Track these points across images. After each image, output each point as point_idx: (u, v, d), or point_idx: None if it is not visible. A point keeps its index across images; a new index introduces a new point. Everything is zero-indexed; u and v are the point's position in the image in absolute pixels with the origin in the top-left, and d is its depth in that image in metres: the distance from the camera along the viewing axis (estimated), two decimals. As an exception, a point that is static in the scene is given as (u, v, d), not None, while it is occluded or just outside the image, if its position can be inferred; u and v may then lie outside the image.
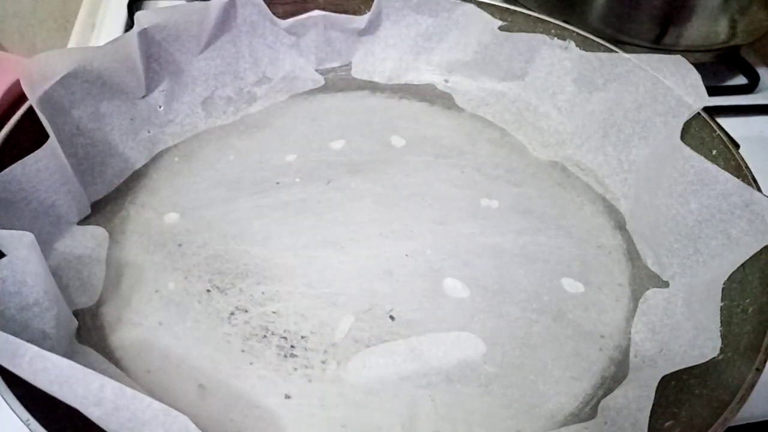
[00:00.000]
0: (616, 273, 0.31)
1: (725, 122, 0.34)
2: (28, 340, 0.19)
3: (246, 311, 0.28)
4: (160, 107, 0.35)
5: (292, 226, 0.31)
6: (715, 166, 0.29)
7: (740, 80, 0.49)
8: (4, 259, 0.22)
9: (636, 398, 0.24)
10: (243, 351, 0.26)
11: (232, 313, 0.27)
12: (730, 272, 0.27)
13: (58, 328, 0.24)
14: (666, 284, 0.30)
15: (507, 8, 0.39)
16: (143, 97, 0.34)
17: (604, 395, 0.26)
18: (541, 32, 0.38)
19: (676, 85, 0.33)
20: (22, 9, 0.46)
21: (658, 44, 0.46)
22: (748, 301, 0.27)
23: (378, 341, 0.27)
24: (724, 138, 0.32)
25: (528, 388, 0.26)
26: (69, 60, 0.30)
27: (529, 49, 0.38)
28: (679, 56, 0.34)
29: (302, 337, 0.27)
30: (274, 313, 0.28)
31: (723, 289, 0.27)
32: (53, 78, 0.29)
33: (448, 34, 0.40)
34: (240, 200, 0.33)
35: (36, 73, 0.29)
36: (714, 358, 0.25)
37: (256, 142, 0.36)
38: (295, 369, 0.26)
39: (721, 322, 0.26)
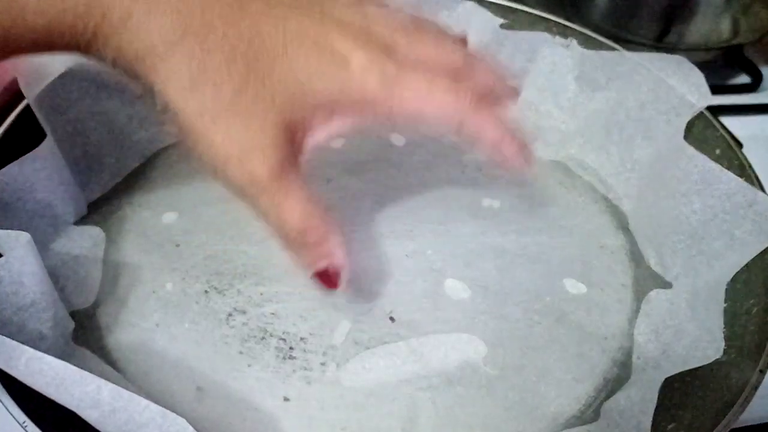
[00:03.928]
0: (618, 274, 0.31)
1: (728, 121, 0.34)
2: (24, 341, 0.19)
3: (244, 312, 0.27)
4: (158, 106, 0.35)
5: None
6: (719, 165, 0.29)
7: (743, 79, 0.49)
8: (0, 259, 0.22)
9: (639, 400, 0.24)
10: (241, 353, 0.26)
11: (230, 315, 0.27)
12: (734, 273, 0.27)
13: (55, 329, 0.24)
14: (669, 285, 0.30)
15: (508, 6, 0.39)
16: (141, 96, 0.34)
17: (607, 397, 0.25)
18: (542, 30, 0.38)
19: (679, 83, 0.32)
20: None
21: (660, 43, 0.46)
22: (751, 302, 0.26)
23: (378, 343, 0.27)
24: (728, 137, 0.31)
25: (530, 390, 0.26)
26: (66, 58, 0.30)
27: (531, 48, 0.38)
28: (681, 56, 0.34)
29: (301, 339, 0.27)
30: (272, 314, 0.27)
31: (726, 289, 0.27)
32: (50, 76, 0.29)
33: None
34: (238, 200, 0.32)
35: (33, 72, 0.29)
36: (717, 359, 0.25)
37: (255, 142, 0.36)
38: (294, 371, 0.26)
39: (724, 323, 0.26)
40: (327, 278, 0.24)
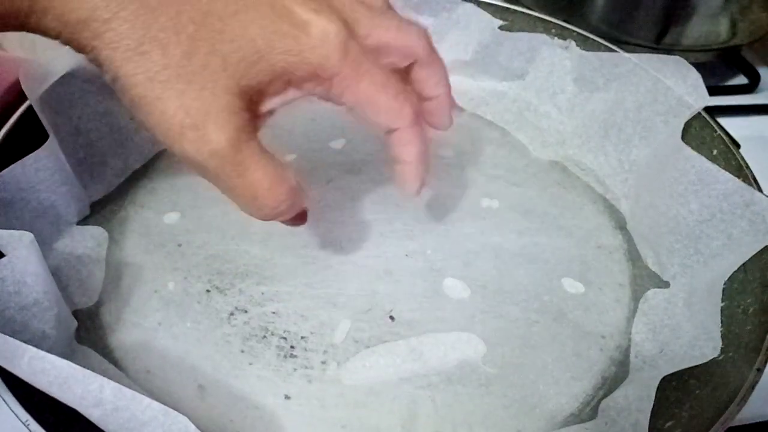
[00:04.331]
0: (616, 273, 0.31)
1: (726, 122, 0.34)
2: (27, 340, 0.19)
3: (246, 311, 0.28)
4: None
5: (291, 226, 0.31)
6: (716, 166, 0.29)
7: (741, 80, 0.49)
8: (3, 259, 0.22)
9: (636, 399, 0.24)
10: (242, 351, 0.26)
11: (232, 314, 0.27)
12: (731, 272, 0.27)
13: (58, 329, 0.24)
14: (666, 284, 0.30)
15: (507, 8, 0.39)
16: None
17: (605, 396, 0.25)
18: (541, 32, 0.38)
19: (676, 84, 0.33)
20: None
21: (658, 44, 0.46)
22: (748, 301, 0.27)
23: (378, 342, 0.27)
24: (725, 138, 0.32)
25: (528, 389, 0.26)
26: (69, 59, 0.30)
27: (530, 49, 0.38)
28: (678, 57, 0.34)
29: (302, 338, 0.27)
30: (273, 313, 0.28)
31: (723, 289, 0.27)
32: (53, 77, 0.29)
33: (448, 33, 0.40)
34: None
35: (36, 72, 0.29)
36: (714, 358, 0.25)
37: (255, 142, 0.36)
38: (295, 369, 0.26)
39: (721, 322, 0.26)
40: (295, 220, 0.24)
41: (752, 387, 0.23)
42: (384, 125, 0.24)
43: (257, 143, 0.21)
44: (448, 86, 0.26)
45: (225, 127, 0.20)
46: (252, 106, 0.21)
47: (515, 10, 0.39)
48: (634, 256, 0.32)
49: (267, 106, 0.22)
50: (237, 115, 0.20)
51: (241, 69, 0.20)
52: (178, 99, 0.19)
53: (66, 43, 0.20)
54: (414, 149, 0.24)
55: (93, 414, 0.19)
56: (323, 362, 0.26)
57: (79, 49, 0.20)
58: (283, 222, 0.24)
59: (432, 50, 0.25)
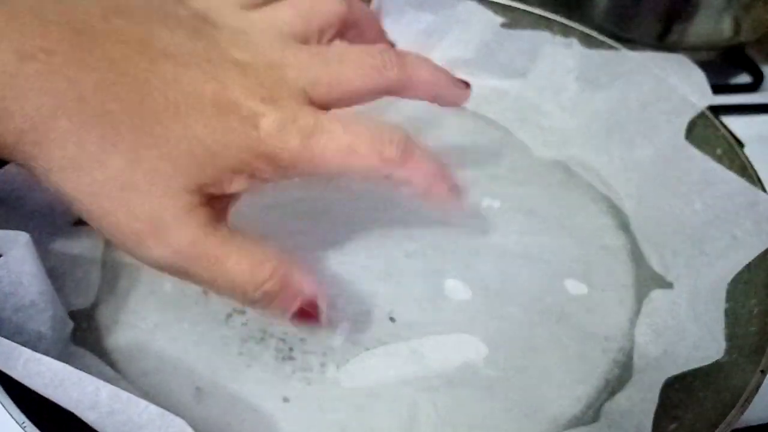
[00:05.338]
0: (620, 274, 0.31)
1: (730, 121, 0.34)
2: (23, 342, 0.19)
3: (243, 313, 0.27)
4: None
5: (291, 226, 0.31)
6: (720, 165, 0.29)
7: (745, 78, 0.49)
8: (0, 259, 0.22)
9: (640, 401, 0.24)
10: (240, 353, 0.26)
11: (230, 315, 0.27)
12: (735, 273, 0.27)
13: (54, 330, 0.24)
14: (670, 285, 0.30)
15: (509, 5, 0.39)
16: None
17: (608, 398, 0.25)
18: (543, 30, 0.38)
19: (680, 83, 0.32)
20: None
21: (662, 42, 0.46)
22: (753, 302, 0.26)
23: (378, 343, 0.27)
24: (729, 137, 0.31)
25: (530, 392, 0.26)
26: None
27: (532, 47, 0.38)
28: (682, 55, 0.34)
29: (300, 340, 0.27)
30: (272, 314, 0.27)
31: (728, 290, 0.27)
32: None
33: (449, 31, 0.40)
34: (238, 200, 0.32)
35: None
36: (718, 360, 0.25)
37: (255, 141, 0.36)
38: (294, 372, 0.25)
39: (725, 323, 0.26)
40: (305, 315, 0.23)
41: (756, 389, 0.22)
42: (369, 177, 0.22)
43: (225, 230, 0.21)
44: (439, 84, 0.25)
45: (184, 227, 0.19)
46: (213, 199, 0.21)
47: (517, 8, 0.39)
48: (637, 256, 0.32)
49: (231, 191, 0.21)
50: (195, 212, 0.20)
51: (194, 170, 0.19)
52: (126, 208, 0.19)
53: (8, 159, 0.19)
54: (418, 181, 0.23)
55: (89, 417, 0.19)
56: (322, 364, 0.26)
57: (21, 165, 0.19)
58: (297, 322, 0.23)
59: (402, 70, 0.23)
